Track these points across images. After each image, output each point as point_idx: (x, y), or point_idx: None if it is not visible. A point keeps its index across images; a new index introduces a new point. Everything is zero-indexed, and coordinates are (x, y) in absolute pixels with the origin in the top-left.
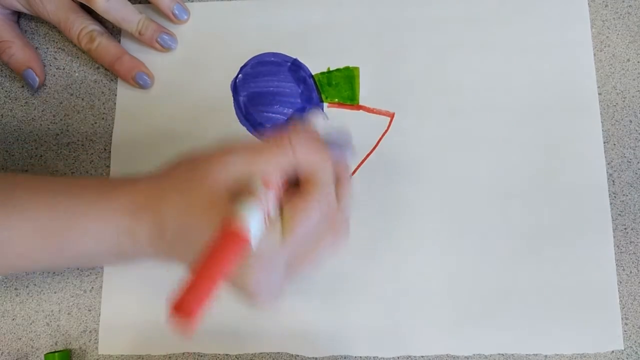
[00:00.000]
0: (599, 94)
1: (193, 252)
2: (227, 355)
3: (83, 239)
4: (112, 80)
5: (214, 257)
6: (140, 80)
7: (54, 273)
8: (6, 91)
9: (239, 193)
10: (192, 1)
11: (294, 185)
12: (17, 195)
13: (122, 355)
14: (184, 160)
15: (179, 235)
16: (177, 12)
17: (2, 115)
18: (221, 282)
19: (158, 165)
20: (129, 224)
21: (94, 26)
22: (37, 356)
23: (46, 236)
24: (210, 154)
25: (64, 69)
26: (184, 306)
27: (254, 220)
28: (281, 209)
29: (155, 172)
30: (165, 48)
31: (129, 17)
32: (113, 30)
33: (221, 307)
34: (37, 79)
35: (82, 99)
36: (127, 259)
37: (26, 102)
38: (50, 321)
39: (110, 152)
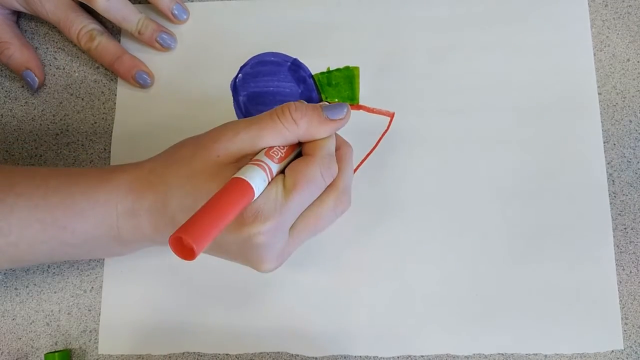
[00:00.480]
0: (599, 94)
1: None
2: (227, 355)
3: (81, 222)
4: (112, 80)
5: (220, 197)
6: (140, 80)
7: (54, 273)
8: (6, 91)
9: (245, 158)
10: (192, 1)
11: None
12: (14, 181)
13: (122, 355)
14: (188, 139)
15: (183, 204)
16: (176, 12)
17: (2, 115)
18: (226, 218)
19: None
20: (131, 204)
21: (93, 25)
22: (37, 356)
23: (43, 219)
24: (216, 130)
25: (64, 69)
26: (188, 231)
27: (257, 177)
28: (284, 173)
29: (159, 154)
30: (164, 47)
31: (129, 16)
32: (112, 30)
33: (221, 307)
34: (37, 79)
35: (82, 99)
36: (126, 244)
37: (26, 102)
38: (50, 321)
39: (110, 152)
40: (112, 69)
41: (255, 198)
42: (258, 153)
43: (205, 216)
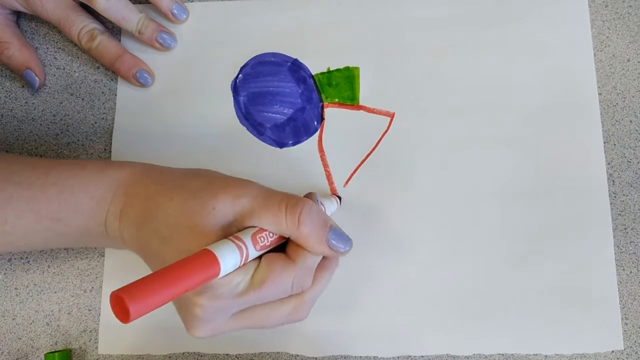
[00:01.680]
0: (599, 94)
1: (163, 255)
2: (227, 355)
3: (75, 215)
4: (112, 79)
5: (181, 266)
6: (141, 79)
7: (54, 273)
8: (6, 91)
9: (229, 232)
10: (192, 1)
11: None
12: (15, 169)
13: (122, 355)
14: (203, 172)
15: (159, 232)
16: (176, 11)
17: (2, 115)
18: (178, 289)
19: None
20: (120, 207)
21: (94, 25)
22: (37, 356)
23: (38, 210)
24: (229, 183)
25: (64, 69)
26: (133, 292)
27: (230, 259)
28: (260, 259)
29: (173, 167)
30: (164, 47)
31: (129, 16)
32: (113, 30)
33: None
34: (37, 79)
35: (82, 99)
36: (113, 242)
37: (26, 102)
38: (50, 321)
39: (110, 152)
40: (112, 68)
41: (216, 279)
42: (247, 228)
43: (158, 283)
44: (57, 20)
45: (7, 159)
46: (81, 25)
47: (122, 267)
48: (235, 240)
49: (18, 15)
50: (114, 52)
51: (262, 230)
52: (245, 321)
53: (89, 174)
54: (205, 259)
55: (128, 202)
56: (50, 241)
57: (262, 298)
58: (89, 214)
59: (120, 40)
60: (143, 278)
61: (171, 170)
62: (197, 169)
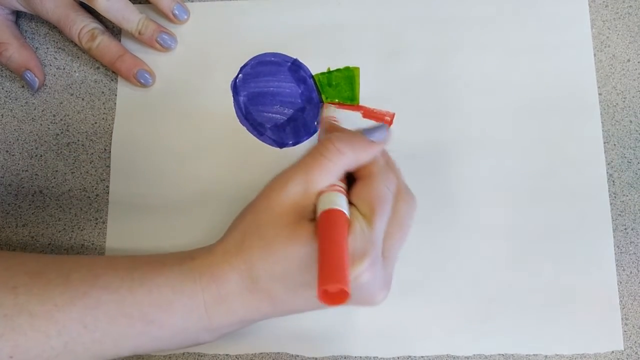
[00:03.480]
0: (599, 94)
1: (291, 284)
2: (227, 355)
3: (169, 315)
4: (112, 80)
5: (328, 237)
6: (141, 79)
7: None
8: (6, 91)
9: (305, 208)
10: (192, 1)
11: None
12: (98, 272)
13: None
14: (245, 208)
15: (273, 275)
16: (177, 12)
17: (2, 115)
18: (347, 251)
19: (158, 166)
20: (217, 291)
21: (95, 24)
22: None
23: (130, 314)
24: (267, 188)
25: (64, 69)
26: (331, 278)
27: (342, 202)
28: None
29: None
30: (164, 48)
31: (130, 16)
32: (113, 30)
33: None
34: (37, 80)
35: (82, 99)
36: (215, 331)
37: (26, 102)
38: None
39: (110, 152)
40: (113, 68)
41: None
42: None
43: (331, 258)
44: (57, 20)
45: (86, 262)
46: (81, 25)
47: None
48: (330, 190)
49: (18, 15)
50: (115, 51)
51: (331, 186)
52: (393, 249)
53: (171, 271)
54: (334, 217)
55: (221, 283)
56: (142, 346)
57: (383, 221)
58: (183, 310)
59: (120, 41)
60: (321, 264)
61: (226, 237)
62: (235, 219)
